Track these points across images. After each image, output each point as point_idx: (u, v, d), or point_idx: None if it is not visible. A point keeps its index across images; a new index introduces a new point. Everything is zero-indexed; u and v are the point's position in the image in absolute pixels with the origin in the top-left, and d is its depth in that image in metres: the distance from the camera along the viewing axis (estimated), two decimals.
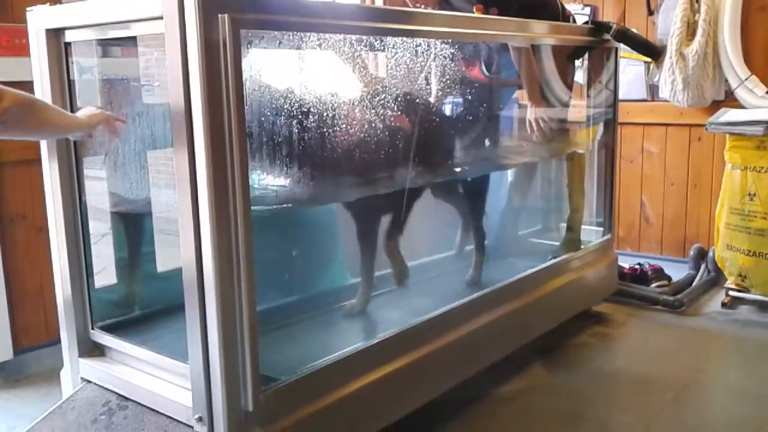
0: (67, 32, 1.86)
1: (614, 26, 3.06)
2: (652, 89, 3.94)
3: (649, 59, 3.76)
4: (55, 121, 1.70)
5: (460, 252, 2.89)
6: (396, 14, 2.07)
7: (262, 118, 1.90)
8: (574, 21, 3.22)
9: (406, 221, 2.37)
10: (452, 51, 2.45)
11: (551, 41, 2.90)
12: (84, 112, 1.85)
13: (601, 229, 3.27)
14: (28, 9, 1.94)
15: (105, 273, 2.16)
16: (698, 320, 3.24)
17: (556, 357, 2.80)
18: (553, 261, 2.87)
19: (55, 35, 1.87)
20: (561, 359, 2.79)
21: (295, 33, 1.83)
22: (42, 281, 2.71)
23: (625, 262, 3.66)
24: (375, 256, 2.30)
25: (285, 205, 1.90)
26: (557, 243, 3.21)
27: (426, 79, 2.49)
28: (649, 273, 3.60)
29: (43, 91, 1.92)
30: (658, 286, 3.50)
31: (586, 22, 3.30)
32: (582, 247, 3.13)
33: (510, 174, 3.33)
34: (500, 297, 2.47)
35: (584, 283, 3.04)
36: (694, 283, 3.56)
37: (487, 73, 3.10)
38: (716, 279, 3.57)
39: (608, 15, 4.11)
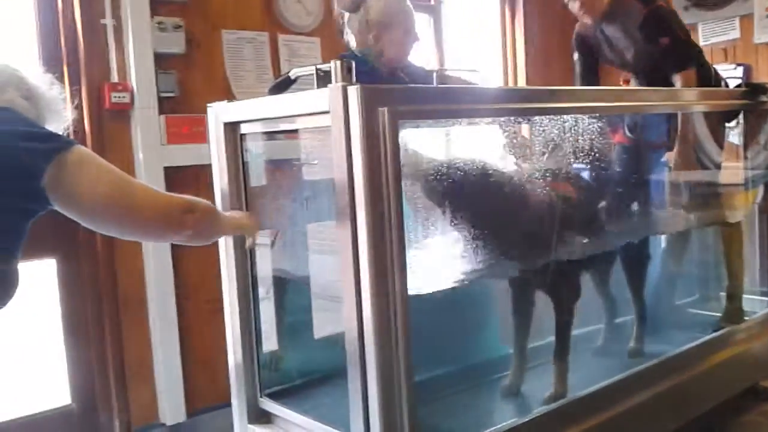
0: (242, 125, 2.08)
1: None
2: None
3: None
4: (224, 226, 1.85)
5: (611, 324, 2.83)
6: (541, 93, 2.14)
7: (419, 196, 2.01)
8: (726, 85, 3.14)
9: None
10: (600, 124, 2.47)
11: (702, 108, 2.84)
12: (233, 214, 1.99)
13: (767, 299, 3.08)
14: (208, 105, 2.18)
15: (266, 338, 2.31)
16: None
17: None
18: (715, 333, 2.75)
19: (232, 128, 2.08)
20: None
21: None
22: (212, 348, 2.93)
23: None
24: (529, 333, 2.30)
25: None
26: (717, 314, 3.06)
27: (576, 149, 2.51)
28: None
29: (221, 174, 2.13)
30: None
31: (739, 85, 3.21)
32: (746, 318, 2.97)
33: (663, 241, 3.24)
34: (658, 373, 2.39)
35: (750, 357, 2.87)
36: None
37: (630, 135, 3.07)
38: None
39: (764, 72, 3.96)
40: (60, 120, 1.66)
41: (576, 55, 3.23)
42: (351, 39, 2.51)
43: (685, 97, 2.68)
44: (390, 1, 2.45)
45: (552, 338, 2.29)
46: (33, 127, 1.47)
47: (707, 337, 2.71)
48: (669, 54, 2.81)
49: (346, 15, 2.49)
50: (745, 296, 3.09)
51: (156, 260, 2.93)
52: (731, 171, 3.15)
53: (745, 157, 3.17)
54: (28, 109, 1.55)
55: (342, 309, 1.70)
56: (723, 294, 3.14)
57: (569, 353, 2.26)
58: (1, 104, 1.50)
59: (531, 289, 2.27)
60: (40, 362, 2.93)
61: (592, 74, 3.21)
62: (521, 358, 2.31)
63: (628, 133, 3.05)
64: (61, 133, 1.60)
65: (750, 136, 3.15)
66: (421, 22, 4.03)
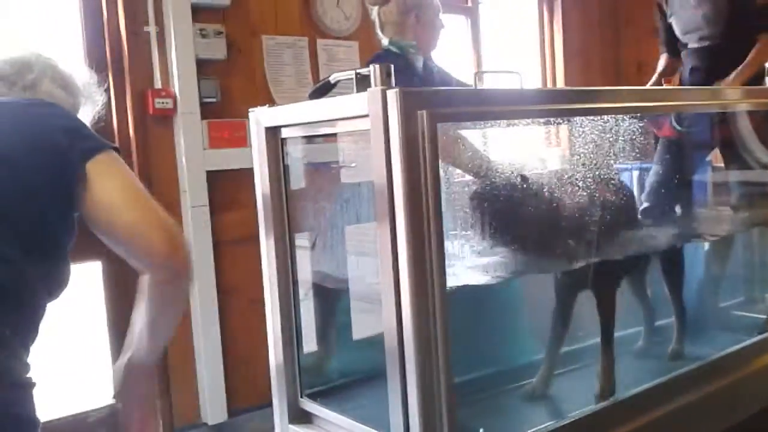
0: (283, 129, 2.11)
1: None
2: None
3: None
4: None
5: (651, 327, 2.79)
6: (582, 94, 2.12)
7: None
8: None
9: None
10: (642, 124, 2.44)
11: (748, 107, 2.78)
12: None
13: None
14: (249, 109, 2.21)
15: (306, 339, 2.33)
16: None
17: None
18: (762, 336, 2.69)
19: (273, 132, 2.11)
20: None
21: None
22: (253, 348, 2.97)
23: None
24: (565, 336, 2.28)
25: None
26: (763, 316, 2.99)
27: (620, 149, 2.48)
28: None
29: (262, 177, 2.16)
30: None
31: None
32: None
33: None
34: (705, 374, 2.35)
35: None
36: None
37: (678, 128, 3.02)
38: None
39: None
40: (93, 104, 1.63)
41: (658, 20, 3.23)
42: (383, 37, 2.60)
43: (731, 95, 2.63)
44: None
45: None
46: (73, 120, 1.45)
47: (754, 339, 2.65)
48: (765, 12, 2.76)
49: (375, 9, 2.58)
50: None
51: (197, 260, 2.97)
52: None
53: None
54: (65, 99, 1.52)
55: (381, 310, 1.71)
56: None
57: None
58: (40, 96, 1.47)
59: (573, 292, 2.25)
60: (87, 362, 3.01)
61: (674, 39, 3.19)
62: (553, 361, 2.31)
63: (675, 126, 2.99)
64: (93, 115, 1.60)
65: None
66: (458, 23, 4.03)
